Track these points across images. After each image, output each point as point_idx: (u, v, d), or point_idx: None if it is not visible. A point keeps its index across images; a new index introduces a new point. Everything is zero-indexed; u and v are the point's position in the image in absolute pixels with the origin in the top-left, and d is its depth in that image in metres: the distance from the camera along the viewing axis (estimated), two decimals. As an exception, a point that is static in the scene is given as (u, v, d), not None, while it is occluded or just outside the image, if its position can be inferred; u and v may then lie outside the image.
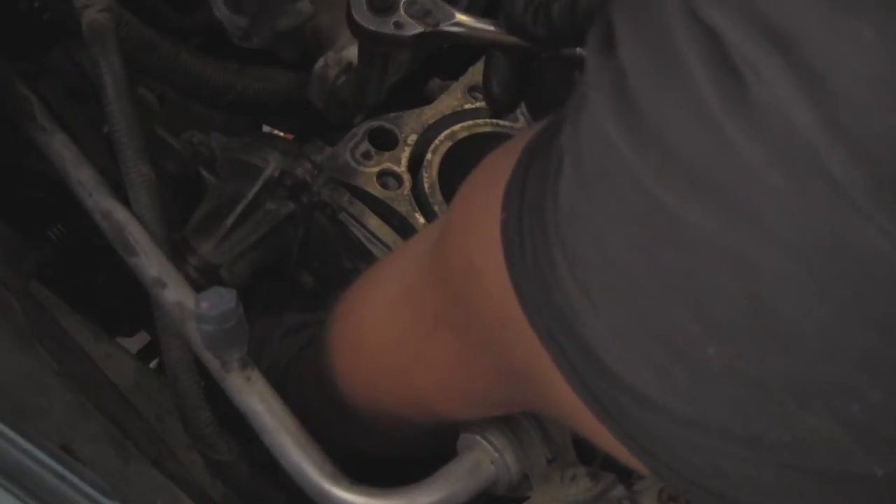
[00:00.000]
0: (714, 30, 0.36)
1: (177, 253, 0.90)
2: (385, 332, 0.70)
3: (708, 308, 0.40)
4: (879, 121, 0.34)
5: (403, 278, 0.68)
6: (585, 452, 0.70)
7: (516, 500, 0.70)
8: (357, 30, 0.75)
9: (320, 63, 1.00)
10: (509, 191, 0.49)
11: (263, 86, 1.02)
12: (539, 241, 0.46)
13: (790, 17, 0.35)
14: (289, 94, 1.04)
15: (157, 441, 0.79)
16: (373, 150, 0.97)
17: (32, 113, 0.93)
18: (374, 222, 0.94)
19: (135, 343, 1.22)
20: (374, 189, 0.95)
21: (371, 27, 0.74)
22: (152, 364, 1.17)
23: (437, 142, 0.98)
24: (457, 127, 0.99)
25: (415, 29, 0.74)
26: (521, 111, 1.01)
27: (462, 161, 0.98)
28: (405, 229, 0.94)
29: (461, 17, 0.74)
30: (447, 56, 1.08)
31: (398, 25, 0.74)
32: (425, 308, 0.63)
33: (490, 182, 0.53)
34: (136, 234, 0.82)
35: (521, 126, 1.00)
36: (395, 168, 0.97)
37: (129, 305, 1.11)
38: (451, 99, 1.02)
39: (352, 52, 0.96)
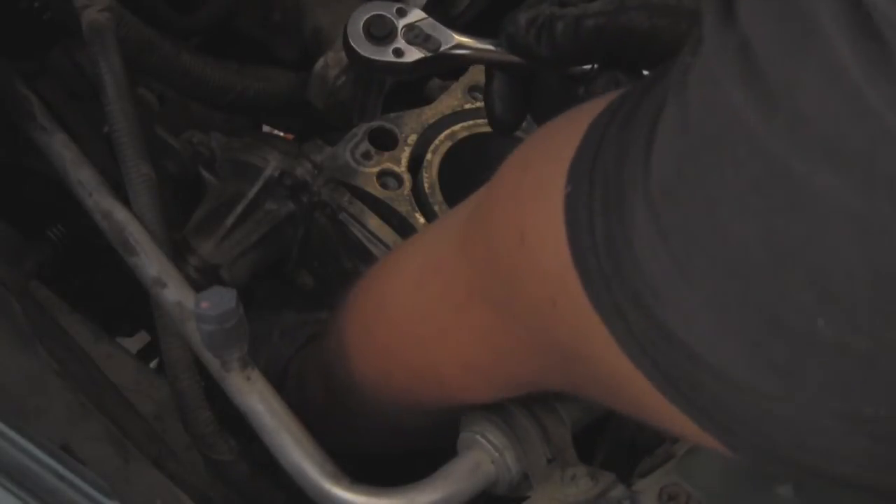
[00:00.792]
0: None
1: (177, 253, 0.90)
2: (409, 302, 0.68)
3: (825, 278, 0.38)
4: None
5: (433, 251, 0.66)
6: (585, 452, 0.70)
7: (516, 499, 0.70)
8: (356, 59, 0.74)
9: (320, 63, 1.00)
10: (576, 164, 0.48)
11: (263, 86, 1.02)
12: (614, 218, 0.45)
13: None
14: (289, 94, 1.04)
15: (157, 441, 0.79)
16: (373, 150, 0.97)
17: (32, 113, 0.93)
18: (374, 222, 0.94)
19: (135, 343, 1.22)
20: (374, 189, 0.95)
21: (371, 56, 0.74)
22: (152, 364, 1.17)
23: (437, 142, 0.98)
24: (457, 127, 0.99)
25: (415, 55, 0.73)
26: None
27: (462, 161, 0.98)
28: (405, 229, 0.94)
29: (461, 38, 0.74)
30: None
31: (398, 52, 0.73)
32: (457, 281, 0.61)
33: (549, 154, 0.51)
34: (136, 234, 0.82)
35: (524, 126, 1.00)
36: (395, 168, 0.97)
37: (129, 305, 1.11)
38: (451, 99, 1.02)
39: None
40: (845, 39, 0.35)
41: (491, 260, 0.57)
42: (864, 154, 0.36)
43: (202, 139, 1.01)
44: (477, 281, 0.59)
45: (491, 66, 0.74)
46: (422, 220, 0.94)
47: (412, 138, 0.99)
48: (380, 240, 0.93)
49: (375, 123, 0.99)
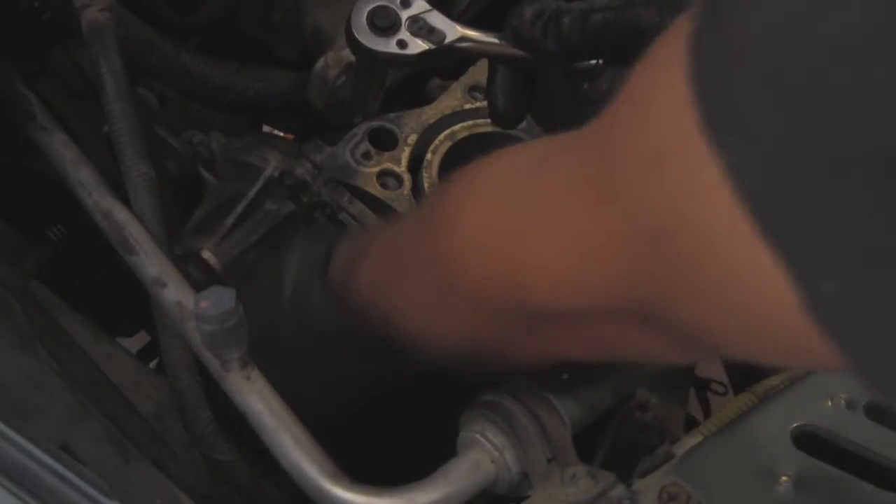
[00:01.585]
0: None
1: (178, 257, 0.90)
2: (505, 196, 0.60)
3: None
4: None
5: (537, 150, 0.60)
6: (585, 452, 0.70)
7: (516, 499, 0.70)
8: (359, 49, 0.74)
9: (320, 63, 1.00)
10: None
11: (263, 86, 1.02)
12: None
13: None
14: (289, 94, 1.04)
15: (157, 441, 0.79)
16: (373, 150, 0.97)
17: (32, 113, 0.94)
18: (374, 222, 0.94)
19: (135, 343, 1.22)
20: (374, 189, 0.95)
21: (374, 47, 0.73)
22: (152, 364, 1.17)
23: (437, 142, 0.98)
24: (457, 127, 0.99)
25: (419, 47, 0.73)
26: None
27: (462, 161, 0.98)
28: (405, 229, 0.94)
29: (466, 31, 0.74)
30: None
31: (402, 44, 0.73)
32: (562, 171, 0.54)
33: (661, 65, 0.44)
34: (135, 233, 0.82)
35: (523, 127, 1.00)
36: (395, 168, 0.97)
37: (129, 305, 1.12)
38: (451, 99, 1.02)
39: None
40: None
41: (602, 131, 0.50)
42: None
43: (202, 139, 1.01)
44: (580, 168, 0.52)
45: (495, 60, 0.74)
46: (422, 219, 0.94)
47: (412, 138, 0.99)
48: (380, 240, 0.93)
49: (375, 123, 0.99)
